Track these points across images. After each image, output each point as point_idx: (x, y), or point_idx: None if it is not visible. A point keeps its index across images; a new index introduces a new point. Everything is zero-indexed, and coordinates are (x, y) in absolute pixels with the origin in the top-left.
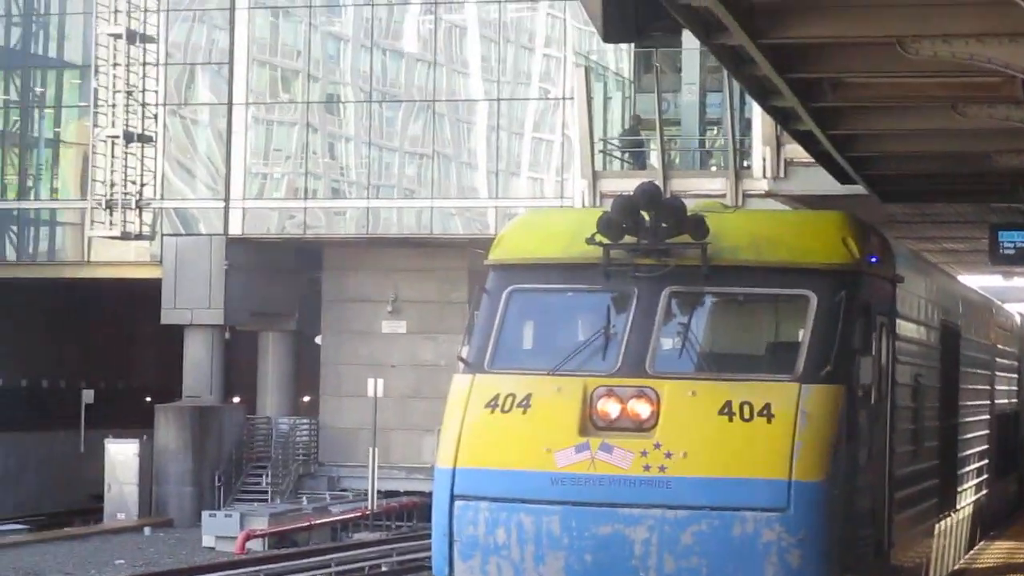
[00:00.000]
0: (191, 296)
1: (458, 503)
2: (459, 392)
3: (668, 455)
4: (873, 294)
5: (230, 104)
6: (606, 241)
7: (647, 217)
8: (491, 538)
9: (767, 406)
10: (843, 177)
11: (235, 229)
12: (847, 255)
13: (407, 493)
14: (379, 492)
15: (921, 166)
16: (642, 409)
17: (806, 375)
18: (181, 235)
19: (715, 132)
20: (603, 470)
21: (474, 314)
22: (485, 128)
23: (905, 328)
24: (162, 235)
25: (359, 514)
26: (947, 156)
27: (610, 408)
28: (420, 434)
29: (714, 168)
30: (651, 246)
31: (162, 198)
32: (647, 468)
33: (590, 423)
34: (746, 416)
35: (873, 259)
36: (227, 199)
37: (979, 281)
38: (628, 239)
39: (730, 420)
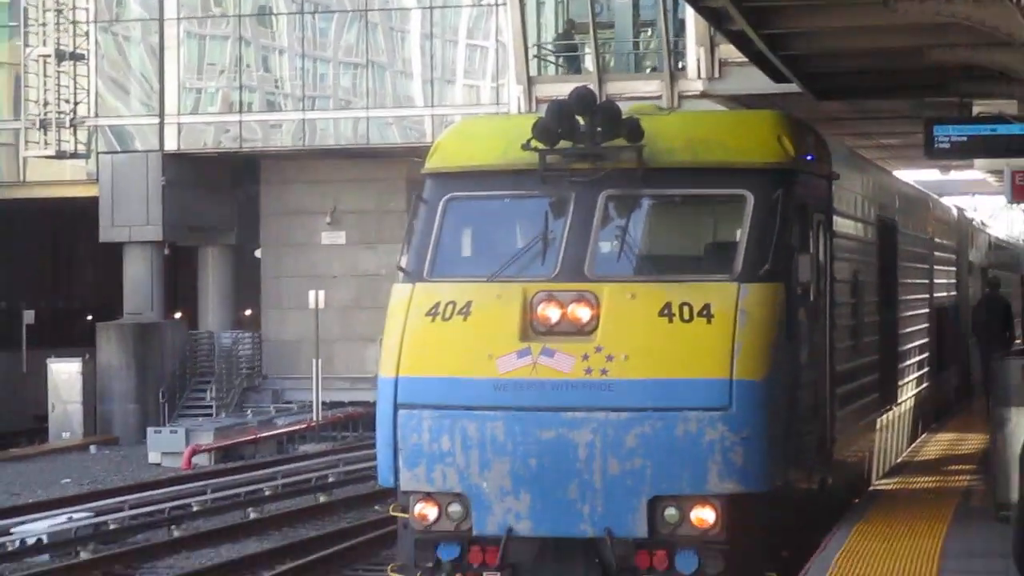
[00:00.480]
0: (129, 213)
1: (402, 412)
2: (399, 301)
3: (609, 358)
4: (809, 192)
5: (161, 19)
6: (542, 146)
7: (582, 121)
8: (435, 445)
9: (707, 306)
10: (777, 76)
11: (171, 145)
12: (782, 154)
13: (352, 403)
14: (324, 403)
15: (855, 63)
16: (582, 313)
17: (744, 274)
18: (117, 152)
19: (649, 34)
20: (545, 375)
21: (412, 223)
22: (419, 36)
23: (842, 225)
24: (97, 153)
25: (304, 426)
26: (880, 52)
27: (550, 313)
28: (363, 344)
29: (649, 70)
30: (587, 150)
31: (96, 116)
32: (588, 371)
33: (531, 328)
34: (686, 317)
35: (809, 157)
36: (162, 115)
37: (917, 176)
38: (564, 144)
39: (670, 321)
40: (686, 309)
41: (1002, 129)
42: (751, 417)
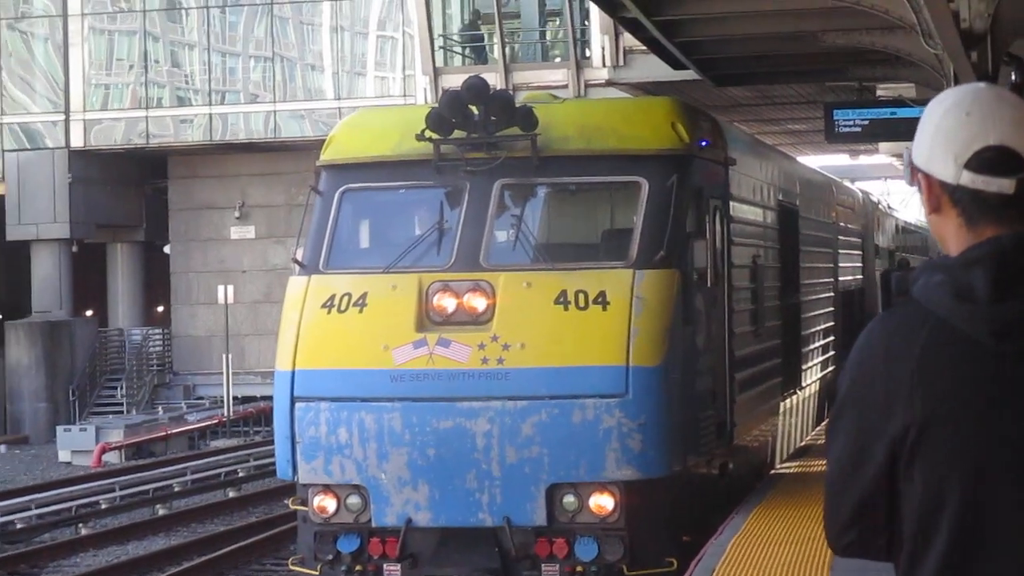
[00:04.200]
0: (36, 211)
1: (299, 405)
2: (295, 294)
3: (506, 347)
4: (705, 177)
5: (65, 15)
6: (436, 136)
7: (476, 111)
8: (333, 438)
9: (602, 294)
10: (675, 63)
11: (77, 142)
12: (676, 140)
13: (263, 398)
14: (235, 398)
15: (749, 48)
16: (478, 302)
17: (640, 261)
18: (23, 150)
19: (555, 23)
20: (441, 365)
21: (308, 215)
22: (328, 28)
23: (740, 210)
24: (3, 151)
25: (215, 421)
26: (773, 38)
27: (446, 303)
28: (273, 338)
29: (556, 59)
30: (481, 139)
31: (2, 113)
32: (485, 361)
33: (427, 319)
34: (581, 304)
35: (704, 143)
36: (67, 112)
37: (827, 161)
38: (458, 134)
39: (566, 309)
40: (581, 296)
41: (901, 112)
42: (648, 403)
